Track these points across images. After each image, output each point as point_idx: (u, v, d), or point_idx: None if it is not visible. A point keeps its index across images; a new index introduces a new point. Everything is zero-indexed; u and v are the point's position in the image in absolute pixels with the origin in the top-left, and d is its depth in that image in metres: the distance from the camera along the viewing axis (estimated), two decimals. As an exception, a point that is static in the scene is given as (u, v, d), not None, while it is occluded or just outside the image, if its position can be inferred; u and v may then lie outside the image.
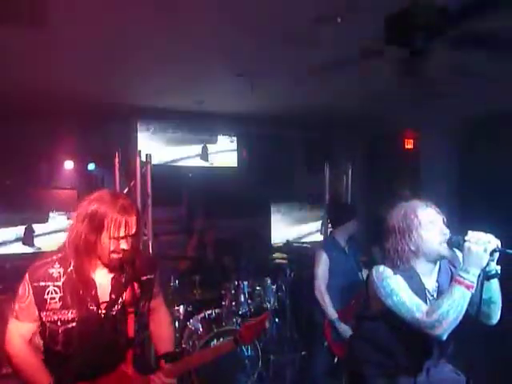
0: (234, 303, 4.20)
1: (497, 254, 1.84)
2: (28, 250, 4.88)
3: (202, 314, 4.15)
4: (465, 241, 1.87)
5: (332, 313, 3.59)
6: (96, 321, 1.80)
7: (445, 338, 1.89)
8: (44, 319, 1.80)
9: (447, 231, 2.00)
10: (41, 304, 1.79)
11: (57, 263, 1.82)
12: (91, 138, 5.44)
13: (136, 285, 1.89)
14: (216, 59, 3.53)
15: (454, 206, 5.65)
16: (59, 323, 1.79)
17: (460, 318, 1.86)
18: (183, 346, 4.01)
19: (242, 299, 4.23)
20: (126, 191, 4.00)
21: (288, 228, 6.23)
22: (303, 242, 6.10)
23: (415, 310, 1.93)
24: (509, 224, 3.03)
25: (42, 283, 1.79)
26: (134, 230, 1.81)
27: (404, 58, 2.66)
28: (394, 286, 2.00)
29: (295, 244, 5.68)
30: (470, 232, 1.89)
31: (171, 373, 1.96)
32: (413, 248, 2.03)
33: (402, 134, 6.19)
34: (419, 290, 2.03)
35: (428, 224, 2.02)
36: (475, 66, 3.30)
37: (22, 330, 1.83)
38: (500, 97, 4.35)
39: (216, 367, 3.79)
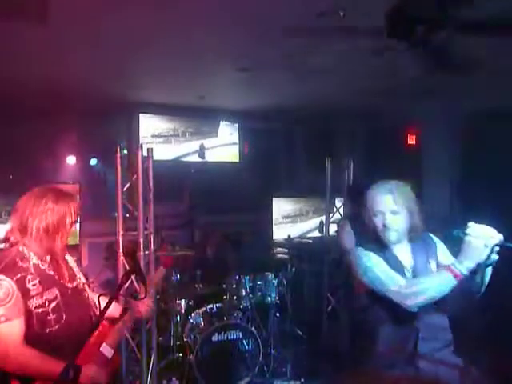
0: (235, 297, 4.22)
1: (497, 248, 1.88)
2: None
3: (204, 309, 4.18)
4: (465, 234, 1.90)
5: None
6: (72, 291, 2.07)
7: (415, 310, 1.98)
8: (32, 307, 1.89)
9: (396, 223, 2.12)
10: (25, 294, 1.88)
11: (18, 259, 1.95)
12: (93, 134, 5.45)
13: None
14: (217, 54, 3.52)
15: (456, 201, 5.66)
16: (46, 304, 1.94)
17: (436, 298, 1.96)
18: (185, 339, 4.03)
19: (243, 294, 4.25)
20: (127, 186, 4.01)
21: (289, 223, 6.24)
22: (304, 237, 6.11)
23: (390, 284, 2.04)
24: None
25: (20, 275, 1.90)
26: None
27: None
28: (367, 263, 2.13)
29: (296, 239, 5.69)
30: (471, 224, 1.92)
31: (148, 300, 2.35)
32: (372, 230, 2.18)
33: (404, 129, 6.18)
34: (396, 266, 2.13)
35: (376, 212, 2.15)
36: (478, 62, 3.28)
37: (14, 330, 1.86)
38: (504, 93, 4.33)
39: (217, 361, 3.82)
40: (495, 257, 1.93)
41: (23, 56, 3.43)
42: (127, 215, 3.88)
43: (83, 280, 2.21)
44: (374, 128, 6.44)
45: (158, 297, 4.19)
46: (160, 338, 4.14)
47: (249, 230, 5.71)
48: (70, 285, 2.08)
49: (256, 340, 3.95)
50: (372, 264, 2.11)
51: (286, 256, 4.83)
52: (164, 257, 3.28)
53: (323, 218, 5.02)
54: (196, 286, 4.44)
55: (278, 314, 4.46)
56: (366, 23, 2.67)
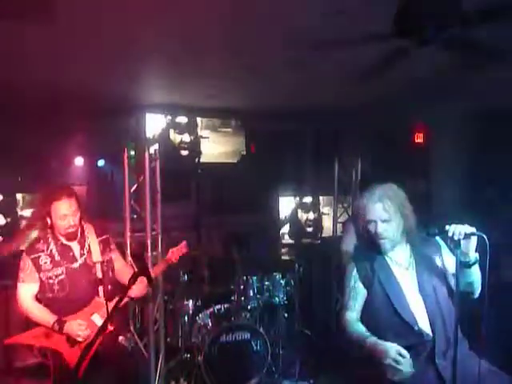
0: (242, 298, 4.21)
1: (474, 242, 1.98)
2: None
3: (211, 309, 4.17)
4: (440, 232, 2.03)
5: None
6: (76, 269, 2.75)
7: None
8: (43, 278, 2.70)
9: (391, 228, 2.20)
10: (38, 268, 2.70)
11: (42, 241, 2.76)
12: (101, 135, 5.46)
13: (97, 243, 2.87)
14: (224, 53, 3.51)
15: (464, 201, 5.61)
16: (54, 277, 2.70)
17: None
18: (193, 340, 4.03)
19: (251, 294, 4.24)
20: (135, 187, 4.02)
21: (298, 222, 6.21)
22: (312, 237, 6.08)
23: (347, 309, 2.26)
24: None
25: (36, 255, 2.72)
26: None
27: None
28: (347, 282, 2.30)
29: (304, 239, 5.67)
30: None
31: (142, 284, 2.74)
32: (373, 236, 2.25)
33: (411, 128, 6.13)
34: (385, 273, 2.22)
35: (375, 219, 2.22)
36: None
37: (28, 290, 2.71)
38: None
39: (225, 362, 3.82)
40: (475, 255, 2.01)
41: (29, 57, 3.43)
42: (135, 216, 3.90)
43: (97, 258, 2.81)
44: (381, 127, 6.40)
45: (165, 298, 4.20)
46: (168, 339, 4.15)
47: (256, 229, 5.70)
48: (75, 264, 2.76)
49: (264, 340, 3.93)
50: (349, 285, 2.30)
51: (293, 256, 4.82)
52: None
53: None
54: (204, 286, 4.44)
55: (286, 315, 4.44)
56: (375, 23, 2.65)
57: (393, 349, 2.00)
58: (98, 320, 2.73)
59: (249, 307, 4.19)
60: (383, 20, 2.49)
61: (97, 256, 2.83)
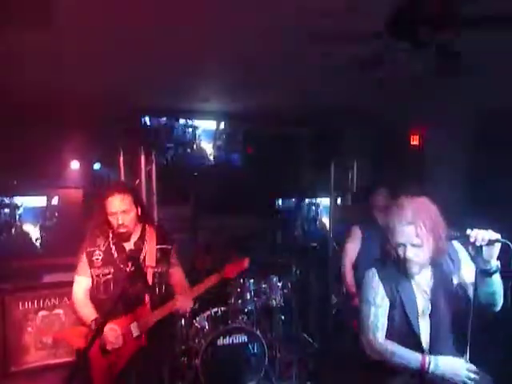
0: (239, 301, 4.19)
1: (497, 249, 1.85)
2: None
3: (208, 312, 4.16)
4: (461, 236, 1.91)
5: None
6: (124, 272, 2.54)
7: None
8: (92, 274, 2.61)
9: (419, 240, 1.98)
10: (90, 263, 2.62)
11: (101, 236, 2.66)
12: (97, 138, 5.45)
13: (155, 250, 2.68)
14: (222, 56, 3.52)
15: (461, 203, 5.61)
16: (101, 276, 2.59)
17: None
18: (189, 343, 4.02)
19: (248, 297, 4.22)
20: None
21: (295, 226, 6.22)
22: (311, 240, 6.08)
23: (370, 331, 2.05)
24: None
25: (91, 249, 2.63)
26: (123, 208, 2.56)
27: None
28: (370, 299, 2.08)
29: (302, 241, 5.67)
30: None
31: (188, 296, 2.76)
32: (401, 258, 2.04)
33: (407, 130, 6.14)
34: (407, 294, 2.07)
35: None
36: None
37: (81, 284, 2.64)
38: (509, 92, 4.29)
39: (222, 365, 3.80)
40: (497, 263, 1.88)
41: (25, 59, 3.43)
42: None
43: (150, 265, 2.65)
44: (378, 129, 6.41)
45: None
46: (165, 342, 4.13)
47: (252, 232, 5.69)
48: (125, 267, 2.55)
49: (261, 343, 3.92)
50: (374, 302, 2.07)
51: (290, 259, 4.81)
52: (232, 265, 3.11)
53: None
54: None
55: (283, 317, 4.43)
56: (368, 24, 2.65)
57: (463, 367, 1.93)
58: (136, 330, 2.56)
59: (246, 310, 4.18)
60: (380, 20, 2.51)
61: (151, 263, 2.65)
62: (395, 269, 2.08)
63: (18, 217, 4.76)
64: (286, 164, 6.57)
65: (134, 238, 2.68)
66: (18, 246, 4.67)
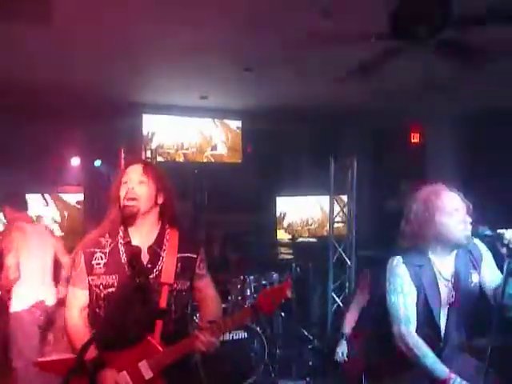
0: (240, 297, 4.21)
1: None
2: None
3: (209, 309, 4.17)
4: (492, 234, 1.87)
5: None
6: (131, 287, 1.76)
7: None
8: (91, 283, 1.88)
9: (469, 220, 1.97)
10: (89, 268, 1.89)
11: (107, 234, 1.93)
12: (98, 135, 5.46)
13: (175, 260, 1.95)
14: (221, 54, 3.53)
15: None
16: (101, 287, 1.87)
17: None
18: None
19: (248, 293, 4.25)
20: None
21: (294, 222, 6.24)
22: (309, 237, 6.11)
23: (402, 323, 1.98)
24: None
25: (91, 249, 1.90)
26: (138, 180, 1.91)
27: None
28: (398, 287, 2.03)
29: (301, 238, 5.69)
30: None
31: (213, 333, 1.90)
32: (432, 233, 2.01)
33: (408, 127, 6.15)
34: (430, 282, 2.03)
35: (452, 210, 1.99)
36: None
37: (77, 298, 1.92)
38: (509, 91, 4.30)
39: (222, 361, 3.82)
40: None
41: (26, 57, 3.44)
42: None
43: (166, 280, 1.90)
44: (378, 127, 6.42)
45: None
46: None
47: (252, 229, 5.71)
48: (133, 278, 1.76)
49: (261, 340, 3.94)
50: (402, 290, 2.02)
51: (290, 256, 4.83)
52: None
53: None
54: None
55: (282, 314, 4.45)
56: (366, 25, 2.66)
57: None
58: (147, 371, 1.79)
59: (246, 306, 4.20)
60: (379, 20, 2.52)
61: (168, 277, 1.90)
62: (418, 257, 2.06)
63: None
64: (285, 162, 6.59)
65: (149, 240, 1.95)
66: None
